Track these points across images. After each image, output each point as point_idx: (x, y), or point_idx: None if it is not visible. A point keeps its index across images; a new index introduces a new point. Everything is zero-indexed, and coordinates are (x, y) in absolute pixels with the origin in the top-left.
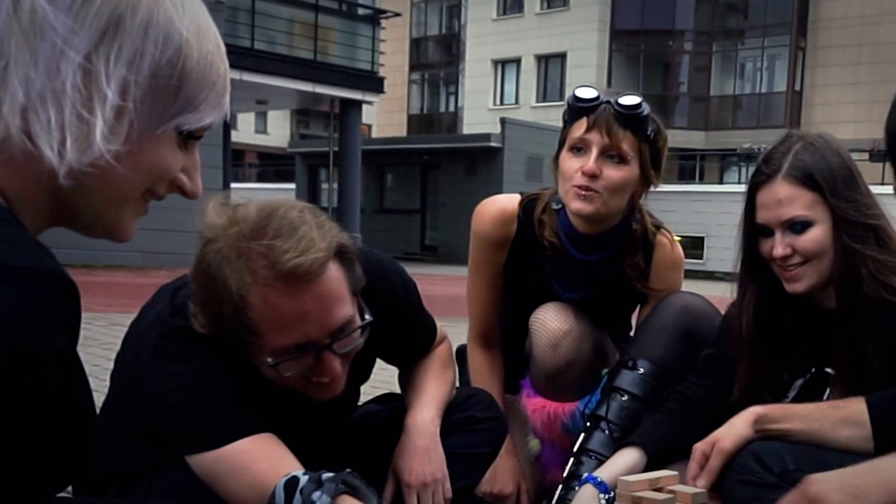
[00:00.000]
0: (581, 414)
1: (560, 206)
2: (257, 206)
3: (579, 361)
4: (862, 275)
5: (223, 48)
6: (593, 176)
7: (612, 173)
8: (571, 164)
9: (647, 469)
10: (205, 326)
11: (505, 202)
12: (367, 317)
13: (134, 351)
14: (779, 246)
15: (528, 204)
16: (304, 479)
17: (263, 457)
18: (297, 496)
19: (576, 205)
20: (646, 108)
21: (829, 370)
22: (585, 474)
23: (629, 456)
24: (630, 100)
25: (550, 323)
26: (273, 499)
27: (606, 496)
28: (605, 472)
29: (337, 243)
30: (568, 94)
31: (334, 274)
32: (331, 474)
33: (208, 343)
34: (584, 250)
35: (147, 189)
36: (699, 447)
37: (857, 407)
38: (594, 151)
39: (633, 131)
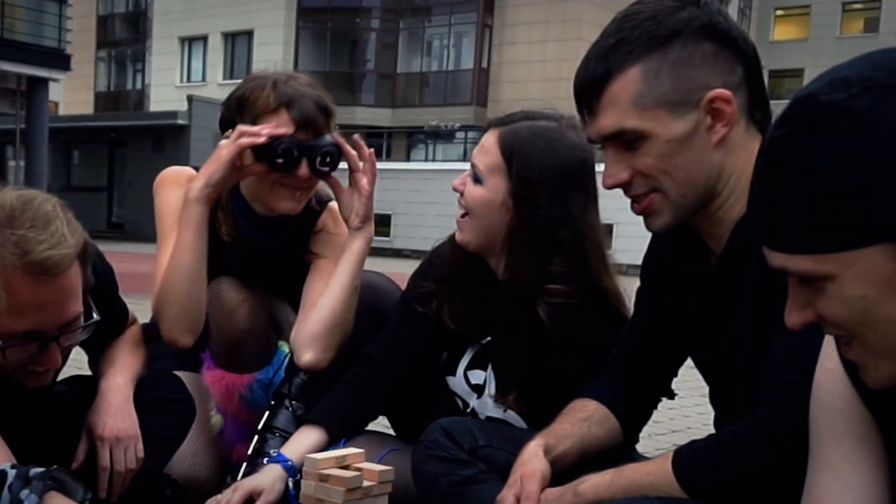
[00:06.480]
0: (259, 384)
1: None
2: (13, 194)
3: (255, 330)
4: (532, 272)
5: None
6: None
7: None
8: None
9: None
10: None
11: (189, 170)
12: (95, 316)
13: None
14: (458, 182)
15: None
16: (12, 474)
17: None
18: (6, 493)
19: None
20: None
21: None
22: (275, 452)
23: (311, 436)
24: None
25: (224, 294)
26: None
27: (293, 479)
28: (289, 451)
29: (83, 241)
30: (256, 71)
31: (76, 270)
32: (39, 470)
33: None
34: (267, 233)
35: None
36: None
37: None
38: None
39: None
